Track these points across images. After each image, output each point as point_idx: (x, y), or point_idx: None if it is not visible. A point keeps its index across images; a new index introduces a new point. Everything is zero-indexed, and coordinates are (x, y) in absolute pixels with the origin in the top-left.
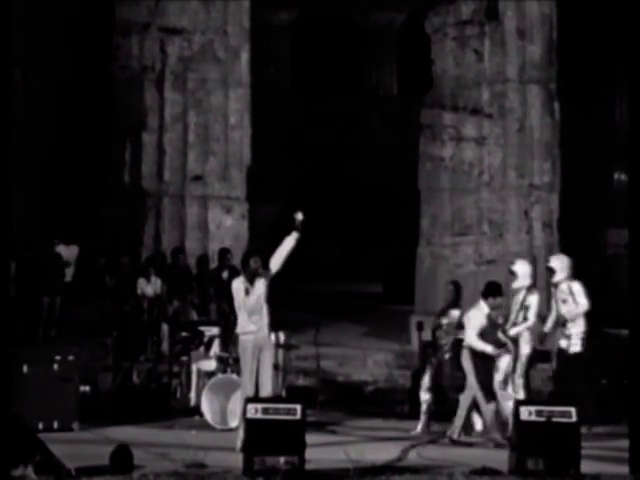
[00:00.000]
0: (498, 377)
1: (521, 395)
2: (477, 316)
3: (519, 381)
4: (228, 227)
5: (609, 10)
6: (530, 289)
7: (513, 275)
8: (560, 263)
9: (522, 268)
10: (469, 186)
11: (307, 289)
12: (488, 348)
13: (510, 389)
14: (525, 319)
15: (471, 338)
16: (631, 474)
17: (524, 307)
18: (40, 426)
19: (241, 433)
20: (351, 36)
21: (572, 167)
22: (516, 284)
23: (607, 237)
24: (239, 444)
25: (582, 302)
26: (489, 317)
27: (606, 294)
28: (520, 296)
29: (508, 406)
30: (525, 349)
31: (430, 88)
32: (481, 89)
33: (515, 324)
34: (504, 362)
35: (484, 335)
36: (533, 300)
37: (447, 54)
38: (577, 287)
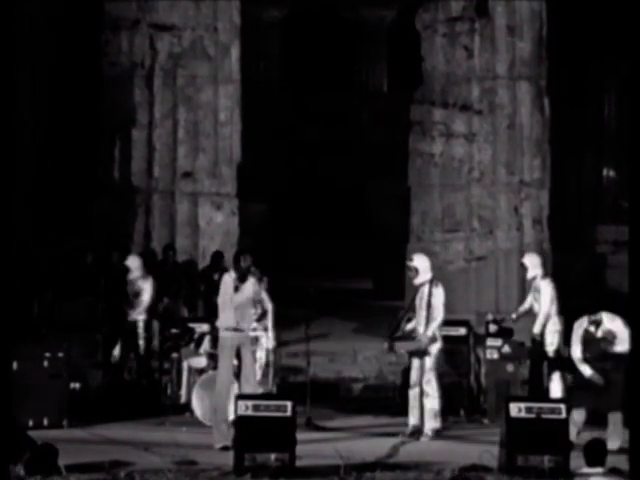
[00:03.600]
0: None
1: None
2: None
3: (431, 377)
4: (218, 224)
5: (598, 6)
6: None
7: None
8: (531, 260)
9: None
10: (459, 182)
11: (297, 285)
12: None
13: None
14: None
15: None
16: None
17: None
18: (30, 423)
19: (216, 432)
20: (341, 33)
21: (562, 164)
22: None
23: (596, 234)
24: (217, 444)
25: (544, 304)
26: None
27: (594, 291)
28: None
29: None
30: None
31: (420, 84)
32: (471, 85)
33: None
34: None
35: None
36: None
37: (437, 51)
38: (544, 285)
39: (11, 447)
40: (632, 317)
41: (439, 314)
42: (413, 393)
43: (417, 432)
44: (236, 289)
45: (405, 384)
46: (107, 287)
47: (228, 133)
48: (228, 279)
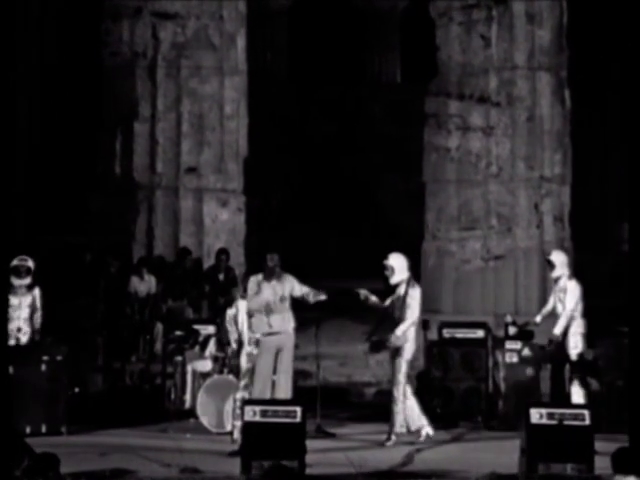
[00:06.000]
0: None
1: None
2: None
3: (402, 380)
4: (224, 221)
5: None
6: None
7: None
8: (559, 258)
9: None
10: (476, 178)
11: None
12: None
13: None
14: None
15: None
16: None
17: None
18: (27, 430)
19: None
20: (352, 21)
21: (584, 158)
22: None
23: (621, 231)
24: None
25: (569, 305)
26: None
27: (620, 291)
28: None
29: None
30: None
31: (435, 75)
32: (488, 76)
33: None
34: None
35: None
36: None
37: (453, 40)
38: (571, 286)
39: (8, 454)
40: (632, 317)
41: (412, 314)
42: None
43: (418, 432)
44: (258, 290)
45: (419, 389)
46: (107, 288)
47: (234, 126)
48: (252, 281)
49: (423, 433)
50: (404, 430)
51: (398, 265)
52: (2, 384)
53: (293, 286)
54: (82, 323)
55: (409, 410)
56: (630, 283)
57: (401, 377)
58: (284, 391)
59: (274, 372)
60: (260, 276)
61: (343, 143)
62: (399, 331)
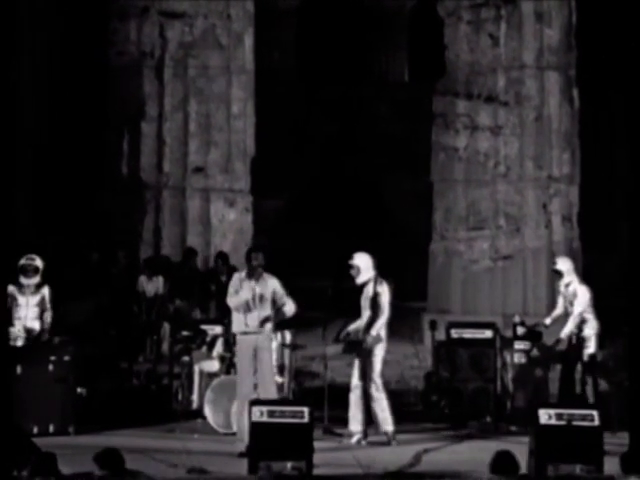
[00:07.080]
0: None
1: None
2: None
3: (378, 380)
4: (231, 221)
5: None
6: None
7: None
8: (565, 266)
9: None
10: (484, 178)
11: (313, 286)
12: None
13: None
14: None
15: None
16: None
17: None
18: (35, 430)
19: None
20: (360, 20)
21: (593, 158)
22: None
23: None
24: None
25: (576, 310)
26: None
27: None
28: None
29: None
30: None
31: (443, 75)
32: (497, 75)
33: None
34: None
35: None
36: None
37: (461, 39)
38: (582, 292)
39: (15, 454)
40: (632, 316)
41: (383, 313)
42: (354, 397)
43: (363, 439)
44: (239, 288)
45: (428, 389)
46: (114, 287)
47: (241, 126)
48: (235, 278)
49: (354, 440)
50: (391, 428)
51: (363, 264)
52: (2, 384)
53: (274, 289)
54: (89, 323)
55: (356, 411)
56: (630, 283)
57: (376, 377)
58: (269, 392)
59: (255, 372)
60: (243, 274)
61: (349, 143)
62: (374, 331)
